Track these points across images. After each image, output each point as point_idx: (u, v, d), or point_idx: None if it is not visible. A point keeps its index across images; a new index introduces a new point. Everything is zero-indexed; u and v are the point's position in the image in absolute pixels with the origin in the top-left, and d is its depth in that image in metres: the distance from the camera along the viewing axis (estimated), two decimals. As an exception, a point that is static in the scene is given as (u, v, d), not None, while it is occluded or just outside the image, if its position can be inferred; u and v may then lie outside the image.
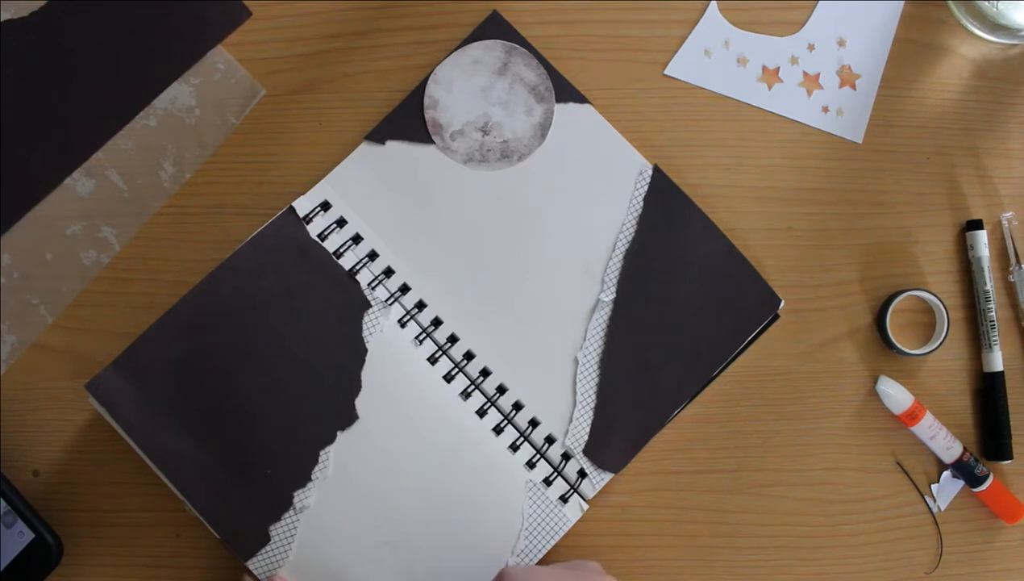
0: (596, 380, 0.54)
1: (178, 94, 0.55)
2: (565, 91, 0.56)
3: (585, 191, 0.56)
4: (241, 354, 0.52)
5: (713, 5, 0.58)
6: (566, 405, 0.54)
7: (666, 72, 0.57)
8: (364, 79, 0.56)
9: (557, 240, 0.55)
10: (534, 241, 0.55)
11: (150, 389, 0.51)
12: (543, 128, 0.55)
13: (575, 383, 0.54)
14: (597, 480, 0.53)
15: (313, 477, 0.51)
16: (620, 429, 0.54)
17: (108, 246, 0.54)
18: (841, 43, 0.58)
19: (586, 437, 0.53)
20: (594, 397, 0.54)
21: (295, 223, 0.54)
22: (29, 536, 0.50)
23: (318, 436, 0.52)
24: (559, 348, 0.54)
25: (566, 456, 0.53)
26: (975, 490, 0.55)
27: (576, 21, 0.57)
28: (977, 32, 0.58)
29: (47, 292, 0.53)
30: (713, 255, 0.55)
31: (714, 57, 0.57)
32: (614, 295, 0.55)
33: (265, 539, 0.51)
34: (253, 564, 0.51)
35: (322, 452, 0.52)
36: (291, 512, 0.51)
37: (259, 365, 0.52)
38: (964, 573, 0.56)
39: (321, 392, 0.52)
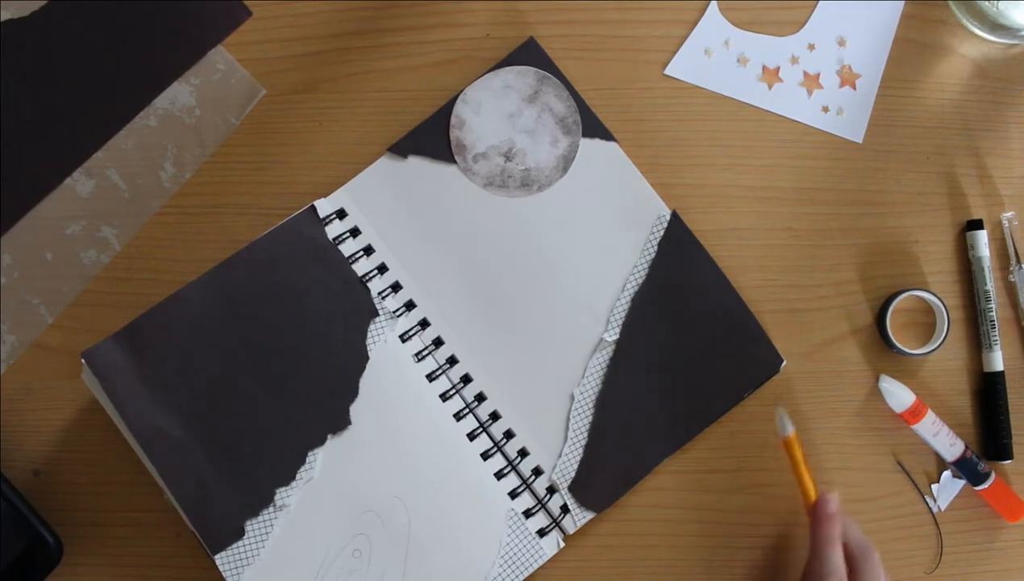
0: (590, 419, 0.54)
1: (178, 94, 0.54)
2: (593, 127, 0.56)
3: (600, 229, 0.55)
4: (244, 344, 0.52)
5: (713, 5, 0.58)
6: (557, 440, 0.53)
7: (666, 72, 0.57)
8: (364, 79, 0.56)
9: (567, 274, 0.55)
10: (544, 272, 0.55)
11: (146, 366, 0.51)
12: (566, 161, 0.55)
13: (568, 419, 0.54)
14: (579, 517, 0.53)
15: (298, 477, 0.51)
16: (606, 471, 0.53)
17: (108, 246, 0.54)
18: (841, 43, 0.58)
19: (573, 474, 0.53)
20: (585, 435, 0.53)
21: (315, 222, 0.54)
22: (29, 536, 0.50)
23: (309, 436, 0.52)
24: (557, 382, 0.54)
25: (551, 489, 0.53)
26: (977, 488, 0.55)
27: (576, 21, 0.57)
28: (977, 32, 0.58)
29: (47, 292, 0.53)
30: (720, 308, 0.55)
31: (714, 57, 0.57)
32: (617, 336, 0.54)
33: (239, 533, 0.50)
34: (221, 558, 0.50)
35: (310, 453, 0.51)
36: (270, 509, 0.51)
37: (260, 357, 0.52)
38: (964, 573, 0.56)
39: (318, 393, 0.52)
